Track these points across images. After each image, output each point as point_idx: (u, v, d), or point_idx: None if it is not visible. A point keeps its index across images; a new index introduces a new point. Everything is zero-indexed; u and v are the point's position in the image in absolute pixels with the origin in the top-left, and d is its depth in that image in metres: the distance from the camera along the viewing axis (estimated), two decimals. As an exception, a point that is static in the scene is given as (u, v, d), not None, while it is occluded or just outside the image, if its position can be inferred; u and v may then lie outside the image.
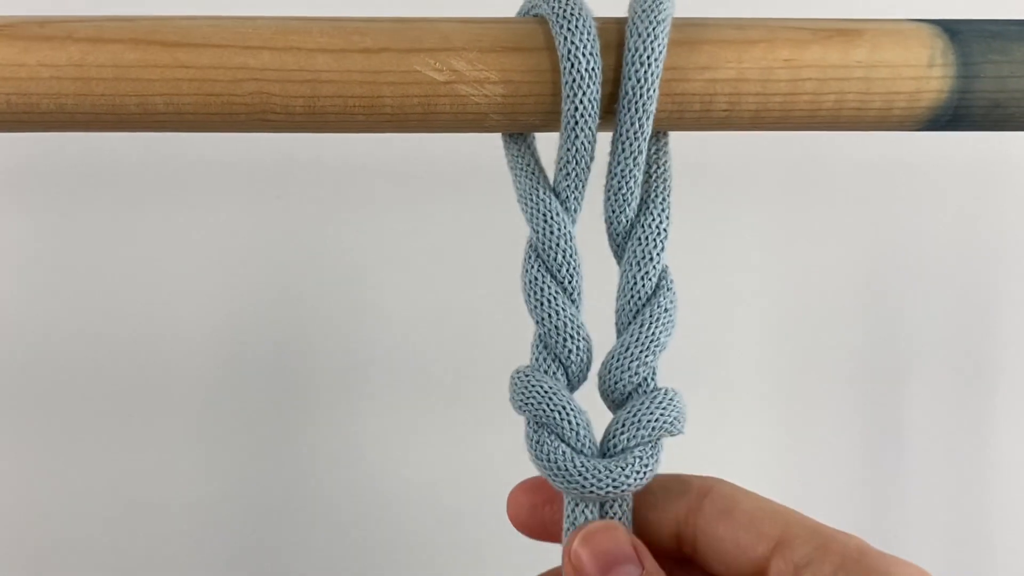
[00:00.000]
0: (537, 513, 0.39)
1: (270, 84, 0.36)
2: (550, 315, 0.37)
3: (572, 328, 0.37)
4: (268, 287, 0.71)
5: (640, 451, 0.36)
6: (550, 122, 0.37)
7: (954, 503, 0.77)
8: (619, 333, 0.38)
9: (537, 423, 0.36)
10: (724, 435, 0.74)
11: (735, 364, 0.74)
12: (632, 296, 0.37)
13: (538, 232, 0.37)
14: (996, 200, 0.74)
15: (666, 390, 0.37)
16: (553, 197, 0.37)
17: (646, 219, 0.37)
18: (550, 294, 0.37)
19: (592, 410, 0.37)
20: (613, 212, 0.38)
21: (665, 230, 0.37)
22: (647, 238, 0.37)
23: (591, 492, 0.35)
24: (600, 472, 0.35)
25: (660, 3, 0.36)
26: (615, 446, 0.36)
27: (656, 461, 0.36)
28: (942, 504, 0.76)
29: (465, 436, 0.73)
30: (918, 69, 0.37)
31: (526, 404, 0.37)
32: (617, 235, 0.38)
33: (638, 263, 0.37)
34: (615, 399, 0.38)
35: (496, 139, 0.40)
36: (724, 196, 0.72)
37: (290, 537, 0.73)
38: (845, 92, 0.37)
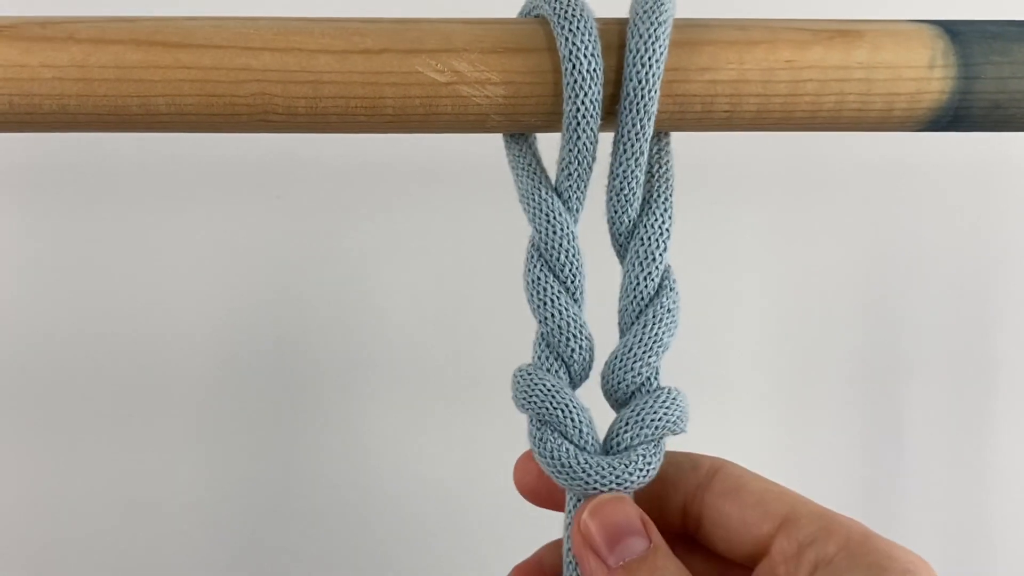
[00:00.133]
0: (544, 479, 0.39)
1: (272, 85, 0.36)
2: (552, 314, 0.37)
3: (575, 327, 0.37)
4: (269, 286, 0.71)
5: (644, 449, 0.36)
6: (552, 123, 0.37)
7: (953, 502, 0.77)
8: (622, 333, 0.38)
9: (540, 421, 0.37)
10: (725, 434, 0.74)
11: (736, 364, 0.74)
12: (635, 296, 0.37)
13: (540, 231, 0.37)
14: (996, 201, 0.74)
15: (669, 389, 0.37)
16: (555, 197, 0.38)
17: (648, 219, 0.38)
18: (553, 293, 0.37)
19: (594, 409, 0.37)
20: (615, 212, 0.38)
21: (667, 230, 0.37)
22: (649, 238, 0.37)
23: (594, 489, 0.36)
24: (604, 469, 0.35)
25: (661, 4, 0.36)
26: (619, 444, 0.36)
27: (659, 460, 0.36)
28: (941, 503, 0.76)
29: (468, 434, 0.73)
30: (919, 70, 0.37)
31: (529, 402, 0.37)
32: (619, 235, 0.38)
33: (641, 263, 0.37)
34: (618, 398, 0.38)
35: (499, 138, 0.40)
36: (725, 196, 0.72)
37: (292, 537, 0.73)
38: (846, 93, 0.37)
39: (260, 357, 0.71)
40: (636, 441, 0.36)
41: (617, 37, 0.36)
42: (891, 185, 0.73)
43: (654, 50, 0.35)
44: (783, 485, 0.38)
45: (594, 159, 0.37)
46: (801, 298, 0.74)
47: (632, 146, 0.36)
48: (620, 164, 0.37)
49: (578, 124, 0.36)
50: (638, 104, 0.35)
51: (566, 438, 0.36)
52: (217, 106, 0.36)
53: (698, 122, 0.38)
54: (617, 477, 0.35)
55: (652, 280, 0.37)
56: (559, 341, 0.37)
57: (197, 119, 0.36)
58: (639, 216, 0.38)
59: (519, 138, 0.39)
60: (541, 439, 0.36)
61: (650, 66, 0.35)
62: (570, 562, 0.37)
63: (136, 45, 0.35)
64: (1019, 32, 0.38)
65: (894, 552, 0.34)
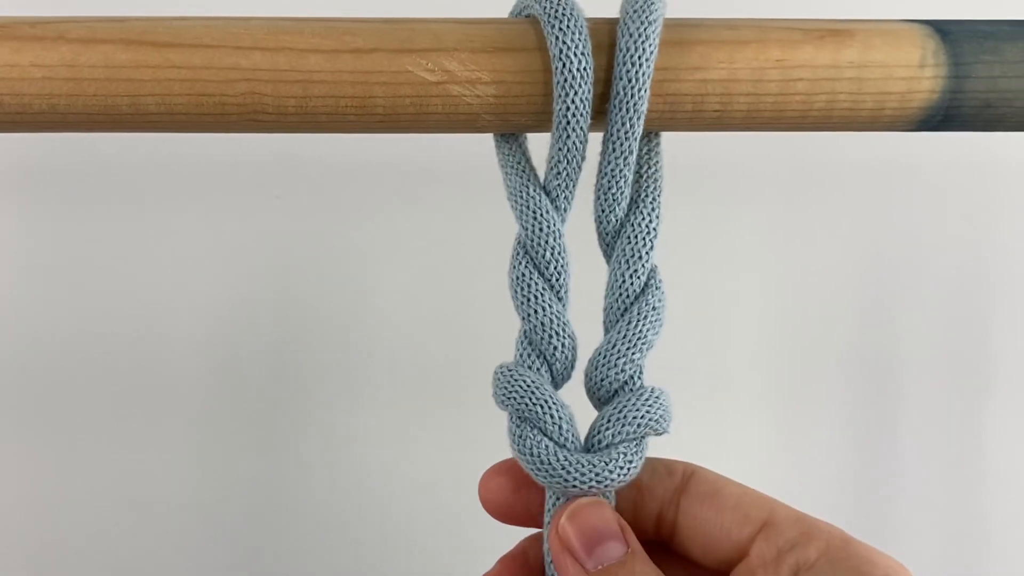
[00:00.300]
0: (511, 496, 0.39)
1: (262, 84, 0.36)
2: (536, 311, 0.37)
3: (558, 325, 0.37)
4: (267, 286, 0.71)
5: (625, 447, 0.36)
6: (542, 122, 0.37)
7: (949, 502, 0.77)
8: (606, 331, 0.38)
9: (520, 418, 0.36)
10: (721, 434, 0.74)
11: (731, 363, 0.74)
12: (620, 294, 0.37)
13: (527, 229, 0.37)
14: (991, 201, 0.74)
15: (653, 388, 0.37)
16: (543, 195, 0.38)
17: (636, 218, 0.38)
18: (537, 290, 0.37)
19: (577, 411, 0.37)
20: (603, 211, 0.38)
21: (655, 229, 0.37)
22: (636, 237, 0.37)
23: (574, 487, 0.35)
24: (584, 467, 0.35)
25: (652, 3, 0.36)
26: (600, 442, 0.36)
27: (640, 459, 0.36)
28: (937, 503, 0.76)
29: (464, 436, 0.73)
30: (909, 69, 0.37)
31: (508, 398, 0.36)
32: (607, 234, 0.38)
33: (627, 261, 0.37)
34: (601, 396, 0.37)
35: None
36: (720, 197, 0.72)
37: (290, 537, 0.73)
38: (837, 92, 0.37)
39: (259, 357, 0.72)
40: (618, 439, 0.36)
41: (607, 37, 0.36)
42: (887, 185, 0.73)
43: (644, 49, 0.35)
44: (758, 490, 0.37)
45: (583, 158, 0.37)
46: (797, 298, 0.74)
47: (621, 145, 0.36)
48: (609, 163, 0.37)
49: (568, 123, 0.36)
50: (628, 103, 0.35)
51: (546, 435, 0.36)
52: (207, 106, 0.36)
53: (688, 122, 0.38)
54: (597, 475, 0.35)
55: (638, 278, 0.37)
56: (542, 339, 0.37)
57: (187, 119, 0.36)
58: (626, 215, 0.38)
59: (510, 138, 0.39)
60: (521, 436, 0.36)
61: (640, 65, 0.35)
62: (551, 562, 0.37)
63: (126, 45, 0.35)
64: (1010, 31, 0.38)
65: (874, 557, 0.34)
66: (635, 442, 0.36)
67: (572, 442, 0.36)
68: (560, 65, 0.35)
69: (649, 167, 0.38)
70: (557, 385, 0.38)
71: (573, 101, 0.36)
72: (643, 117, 0.36)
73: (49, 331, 0.70)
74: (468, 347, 0.72)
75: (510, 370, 0.37)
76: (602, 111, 0.37)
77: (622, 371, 0.37)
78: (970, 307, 0.75)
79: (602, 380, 0.37)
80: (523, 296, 0.37)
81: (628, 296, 0.37)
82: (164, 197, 0.69)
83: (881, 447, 0.76)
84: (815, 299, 0.74)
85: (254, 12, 0.37)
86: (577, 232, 0.39)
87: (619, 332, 0.37)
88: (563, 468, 0.35)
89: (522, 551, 0.40)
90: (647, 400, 0.36)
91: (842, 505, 0.76)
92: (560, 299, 0.38)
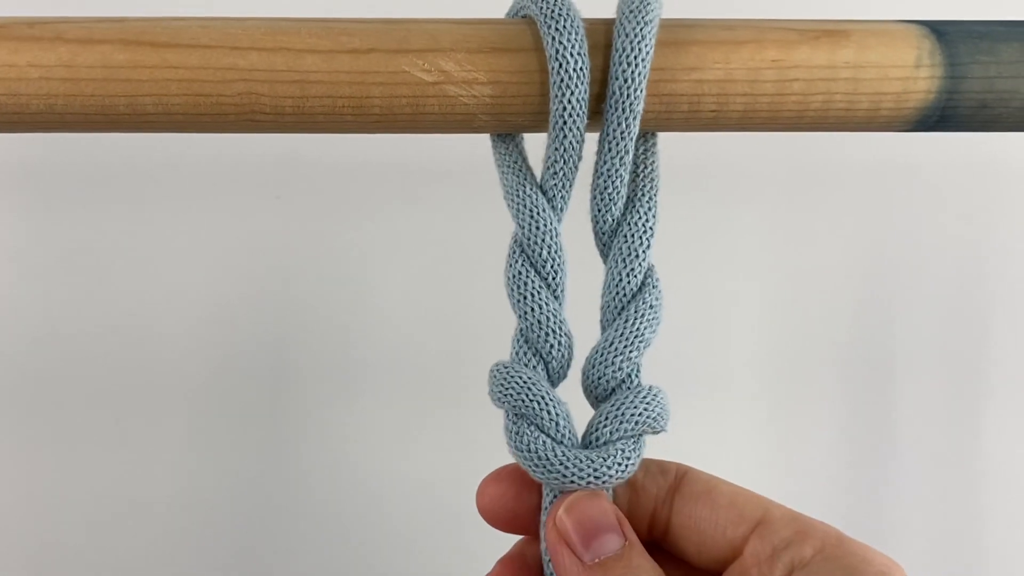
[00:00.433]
0: (512, 503, 0.39)
1: (259, 84, 0.36)
2: (532, 309, 0.37)
3: (554, 323, 0.37)
4: (268, 286, 0.71)
5: (623, 444, 0.36)
6: (538, 122, 0.37)
7: (945, 502, 0.77)
8: (603, 329, 0.38)
9: (516, 414, 0.36)
10: (718, 434, 0.74)
11: (729, 364, 0.74)
12: (617, 293, 0.37)
13: (524, 227, 0.37)
14: (991, 201, 0.74)
15: (651, 387, 0.37)
16: (540, 194, 0.38)
17: (632, 217, 0.38)
18: (533, 288, 0.37)
19: (575, 410, 0.37)
20: (599, 211, 0.38)
21: (651, 228, 0.38)
22: (633, 236, 0.37)
23: (572, 483, 0.35)
24: (582, 463, 0.35)
25: (648, 4, 0.36)
26: (598, 439, 0.36)
27: (638, 456, 0.36)
28: (933, 503, 0.76)
29: (463, 436, 0.73)
30: (905, 70, 0.37)
31: (504, 395, 0.36)
32: (603, 233, 0.38)
33: (624, 260, 0.37)
34: (598, 395, 0.38)
35: (494, 138, 0.40)
36: (718, 197, 0.72)
37: (289, 537, 0.73)
38: (833, 93, 0.37)
39: (258, 357, 0.72)
40: (615, 436, 0.36)
41: (603, 37, 0.36)
42: (886, 185, 0.73)
43: (640, 49, 0.35)
44: (751, 489, 0.38)
45: (580, 158, 0.37)
46: (795, 298, 0.74)
47: (617, 145, 0.36)
48: (605, 163, 0.37)
49: (564, 123, 0.36)
50: (624, 103, 0.36)
51: (542, 431, 0.36)
52: (204, 106, 0.36)
53: (685, 122, 0.38)
54: (595, 471, 0.35)
55: (635, 277, 0.37)
56: (538, 337, 0.37)
57: (184, 119, 0.36)
58: (623, 214, 0.38)
59: (506, 137, 0.39)
60: (517, 432, 0.36)
61: (636, 65, 0.35)
62: (548, 560, 0.37)
63: (123, 45, 0.35)
64: (1006, 32, 0.38)
65: (868, 555, 0.34)
66: (633, 439, 0.36)
67: (569, 438, 0.36)
68: (556, 65, 0.35)
69: (646, 166, 0.38)
70: (553, 383, 0.38)
71: (569, 101, 0.36)
72: (639, 117, 0.36)
73: (48, 330, 0.70)
74: (467, 347, 0.72)
75: (506, 367, 0.37)
76: (598, 111, 0.37)
77: (619, 369, 0.37)
78: (969, 307, 0.75)
79: (599, 378, 0.37)
80: (519, 294, 0.37)
81: (625, 294, 0.37)
82: (164, 197, 0.69)
83: (878, 448, 0.76)
84: (813, 299, 0.74)
85: (251, 13, 0.37)
86: (574, 231, 0.39)
87: (616, 330, 0.37)
88: (561, 464, 0.35)
89: (519, 552, 0.40)
90: (645, 398, 0.36)
91: (838, 505, 0.76)
92: (556, 297, 0.38)
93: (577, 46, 0.35)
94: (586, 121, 0.36)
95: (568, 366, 0.38)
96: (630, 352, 0.37)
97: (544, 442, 0.36)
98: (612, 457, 0.35)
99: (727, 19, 0.38)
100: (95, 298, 0.70)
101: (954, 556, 0.76)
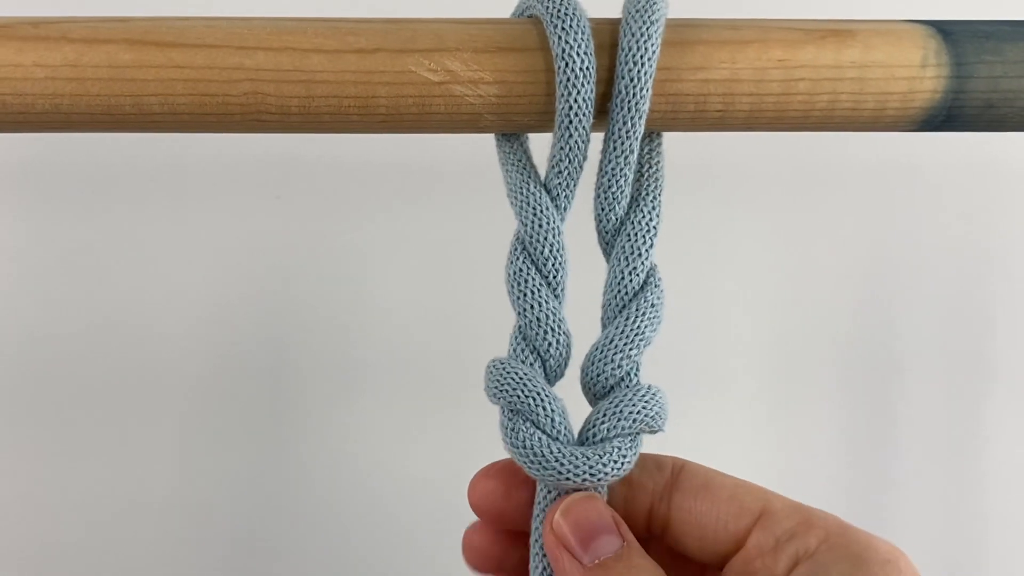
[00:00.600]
0: (502, 500, 0.39)
1: (265, 84, 0.36)
2: (532, 306, 0.37)
3: (553, 321, 0.37)
4: (267, 286, 0.71)
5: (619, 442, 0.36)
6: (544, 122, 0.37)
7: (946, 502, 0.77)
8: (604, 327, 0.38)
9: (512, 410, 0.36)
10: (717, 434, 0.74)
11: (729, 363, 0.74)
12: (619, 291, 0.37)
13: (526, 225, 0.37)
14: (991, 201, 0.74)
15: (650, 386, 0.37)
16: (543, 192, 0.38)
17: (636, 216, 0.38)
18: (533, 286, 0.37)
19: (573, 410, 0.37)
20: (602, 210, 0.38)
21: (655, 227, 0.38)
22: (636, 235, 0.37)
23: (567, 480, 0.35)
24: (577, 459, 0.35)
25: (654, 3, 0.36)
26: (594, 436, 0.36)
27: (634, 455, 0.36)
28: (933, 503, 0.76)
29: (463, 435, 0.73)
30: (911, 69, 0.37)
31: (500, 391, 0.36)
32: (606, 232, 0.38)
33: (626, 259, 0.37)
34: (597, 392, 0.37)
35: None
36: (720, 197, 0.72)
37: (286, 537, 0.73)
38: (839, 92, 0.37)
39: (258, 357, 0.72)
40: (612, 433, 0.36)
41: (610, 37, 0.36)
42: (886, 185, 0.73)
43: (646, 49, 0.35)
44: (749, 480, 0.38)
45: (585, 158, 0.37)
46: (795, 297, 0.74)
47: (622, 144, 0.36)
48: (610, 162, 0.37)
49: (570, 123, 0.36)
50: (629, 103, 0.36)
51: (538, 427, 0.36)
52: (210, 106, 0.36)
53: (691, 122, 0.38)
54: (591, 468, 0.35)
55: (637, 275, 0.37)
56: (536, 334, 0.37)
57: (190, 119, 0.36)
58: (627, 213, 0.38)
59: (511, 136, 0.39)
60: (513, 428, 0.36)
61: (642, 65, 0.35)
62: (537, 553, 0.37)
63: (129, 45, 0.35)
64: (1012, 32, 0.38)
65: (873, 543, 0.34)
66: (630, 437, 0.36)
67: (565, 435, 0.36)
68: (563, 65, 0.35)
69: (650, 166, 0.38)
70: (550, 382, 0.38)
71: (576, 101, 0.36)
72: (644, 117, 0.36)
73: (48, 330, 0.70)
74: (467, 346, 0.72)
75: (502, 363, 0.37)
76: (604, 111, 0.37)
77: (618, 367, 0.37)
78: (970, 307, 0.75)
79: (598, 375, 0.37)
80: (519, 291, 0.37)
81: (627, 293, 0.37)
82: (164, 197, 0.69)
83: (879, 448, 0.76)
84: (813, 299, 0.74)
85: (257, 12, 0.37)
86: (577, 230, 0.39)
87: (616, 328, 0.37)
88: (556, 460, 0.35)
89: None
90: (644, 396, 0.36)
91: (838, 505, 0.75)
92: (556, 296, 0.38)
93: (583, 46, 0.35)
94: (592, 121, 0.36)
95: (566, 365, 0.38)
96: (630, 350, 0.37)
97: (539, 438, 0.36)
98: (608, 454, 0.35)
99: (733, 19, 0.38)
100: (95, 298, 0.70)
101: (954, 556, 0.77)
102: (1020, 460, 0.77)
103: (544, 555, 0.37)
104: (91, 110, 0.36)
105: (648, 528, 0.39)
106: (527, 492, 0.38)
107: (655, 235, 0.38)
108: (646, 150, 0.39)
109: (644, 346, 0.37)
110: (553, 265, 0.37)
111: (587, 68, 0.35)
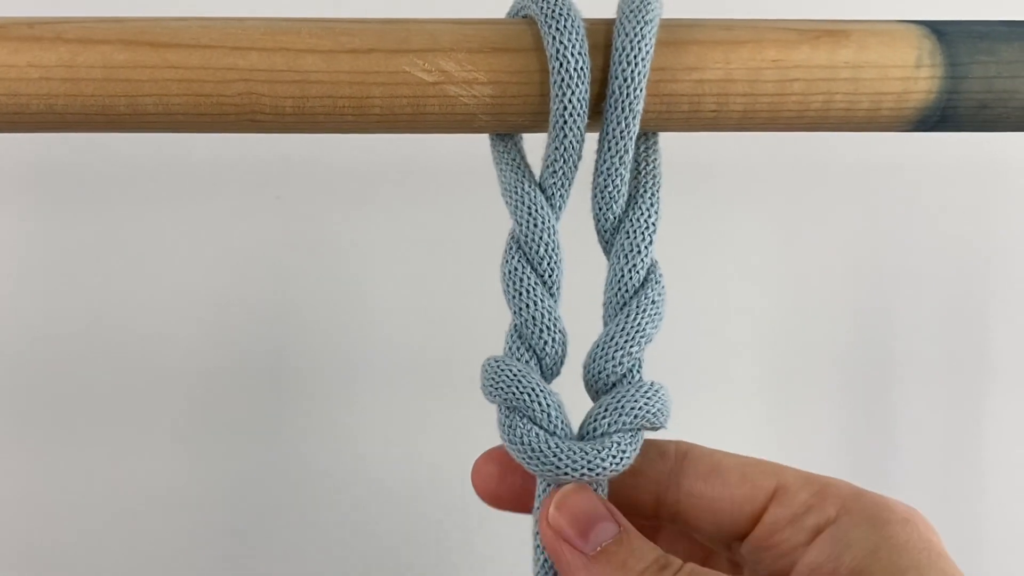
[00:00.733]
0: (497, 484, 0.39)
1: (259, 85, 0.36)
2: (527, 305, 0.37)
3: (548, 320, 0.37)
4: (267, 286, 0.71)
5: (619, 437, 0.36)
6: (538, 122, 0.37)
7: (945, 504, 0.77)
8: (605, 325, 0.38)
9: (508, 408, 0.36)
10: (716, 434, 0.74)
11: (727, 362, 0.74)
12: (620, 288, 0.37)
13: (521, 224, 0.37)
14: (987, 201, 0.74)
15: (652, 382, 0.37)
16: (538, 191, 0.38)
17: (634, 214, 0.38)
18: (529, 285, 0.37)
19: (574, 410, 0.37)
20: (600, 208, 0.38)
21: (654, 224, 0.38)
22: (635, 231, 0.37)
23: (565, 475, 0.35)
24: (575, 454, 0.35)
25: (648, 4, 0.36)
26: (594, 430, 0.36)
27: (634, 450, 0.36)
28: (933, 504, 0.75)
29: (463, 433, 0.73)
30: (906, 70, 0.37)
31: (496, 389, 0.36)
32: (605, 231, 0.38)
33: (626, 255, 0.37)
34: (599, 389, 0.37)
35: (493, 137, 0.40)
36: (718, 197, 0.72)
37: (287, 537, 0.73)
38: (833, 93, 0.37)
39: (259, 356, 0.72)
40: (613, 428, 0.36)
41: (604, 37, 0.36)
42: (886, 185, 0.73)
43: (640, 48, 0.35)
44: (753, 456, 0.38)
45: (580, 158, 0.37)
46: (795, 297, 0.74)
47: (617, 144, 0.36)
48: (605, 162, 0.37)
49: (564, 123, 0.36)
50: (623, 102, 0.36)
51: (535, 423, 0.36)
52: (205, 106, 0.36)
53: (685, 122, 0.38)
54: (589, 462, 0.35)
55: (638, 272, 0.37)
56: (532, 333, 0.37)
57: (185, 119, 0.36)
58: (625, 212, 0.38)
59: (505, 137, 0.39)
60: (510, 426, 0.36)
61: (636, 65, 0.35)
62: (537, 546, 0.37)
63: (124, 45, 0.35)
64: (1006, 32, 0.38)
65: (889, 504, 0.35)
66: (630, 433, 0.36)
67: (563, 430, 0.36)
68: (557, 65, 0.35)
69: (647, 164, 0.38)
70: (546, 380, 0.38)
71: (570, 101, 0.36)
72: (639, 117, 0.36)
73: (47, 331, 0.70)
74: (467, 345, 0.72)
75: (497, 361, 0.37)
76: (598, 111, 0.37)
77: (620, 364, 0.37)
78: (969, 308, 0.75)
79: (600, 372, 0.37)
80: (515, 290, 0.37)
81: (627, 290, 0.37)
82: (164, 197, 0.69)
83: (878, 448, 0.76)
84: (813, 298, 0.74)
85: (251, 12, 0.37)
86: (578, 229, 0.39)
87: (617, 325, 0.37)
88: (554, 455, 0.35)
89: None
90: (646, 392, 0.36)
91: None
92: (552, 295, 0.38)
93: (577, 46, 0.35)
94: (586, 121, 0.36)
95: (561, 363, 0.38)
96: (631, 347, 0.37)
97: (537, 434, 0.36)
98: (607, 449, 0.35)
99: (727, 19, 0.38)
100: (94, 298, 0.70)
101: (953, 556, 0.76)
102: (1019, 460, 0.77)
103: (540, 543, 0.37)
104: (86, 110, 0.36)
105: (657, 515, 0.39)
106: (519, 477, 0.38)
107: (654, 232, 0.38)
108: (642, 148, 0.39)
109: (645, 343, 0.37)
110: (548, 264, 0.37)
111: (581, 68, 0.35)
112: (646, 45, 0.35)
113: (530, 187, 0.38)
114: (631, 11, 0.36)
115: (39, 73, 0.35)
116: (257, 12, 0.38)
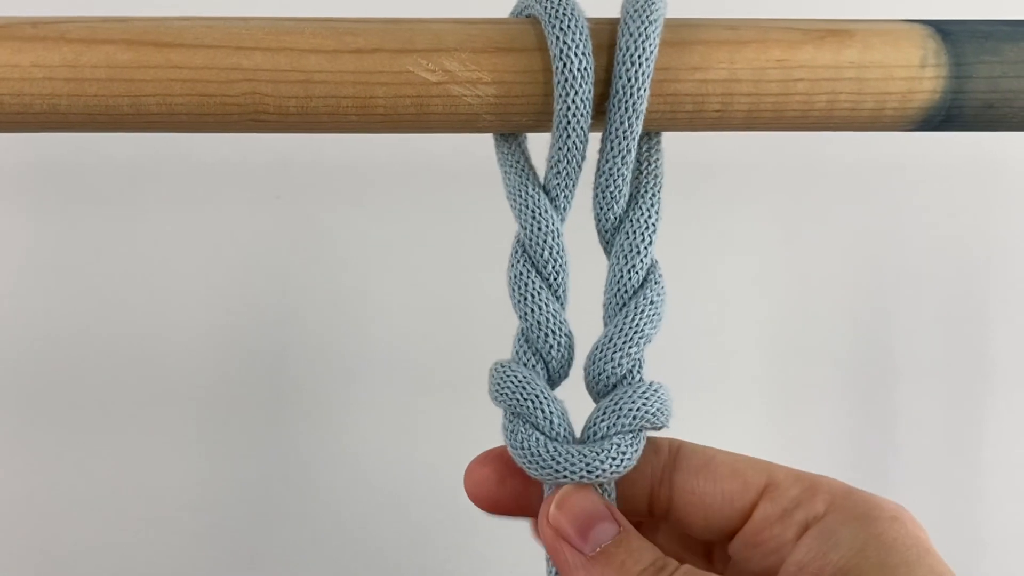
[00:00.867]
0: (496, 488, 0.39)
1: (263, 84, 0.36)
2: (533, 310, 0.37)
3: (555, 324, 0.37)
4: (267, 286, 0.71)
5: (619, 439, 0.36)
6: (542, 122, 0.37)
7: (945, 504, 0.77)
8: (605, 325, 0.38)
9: (513, 413, 0.37)
10: (715, 434, 0.74)
11: (727, 364, 0.74)
12: (619, 289, 0.37)
13: (526, 228, 0.37)
14: (987, 201, 0.74)
15: (652, 382, 0.37)
16: (543, 194, 0.38)
17: (635, 214, 0.38)
18: (534, 289, 0.37)
19: (577, 411, 0.37)
20: (601, 208, 0.38)
21: (654, 225, 0.37)
22: (635, 232, 0.37)
23: (564, 477, 0.35)
24: (574, 457, 0.35)
25: (652, 3, 0.36)
26: (595, 434, 0.36)
27: (636, 452, 0.36)
28: (933, 504, 0.76)
29: (464, 435, 0.73)
30: (910, 69, 0.37)
31: (502, 394, 0.37)
32: (605, 231, 0.38)
33: (626, 256, 0.37)
34: (599, 391, 0.38)
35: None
36: (719, 197, 0.72)
37: (288, 537, 0.73)
38: (837, 92, 0.37)
39: (259, 356, 0.72)
40: (613, 431, 0.36)
41: (608, 37, 0.36)
42: (887, 185, 0.73)
43: (644, 48, 0.35)
44: (745, 453, 0.38)
45: (583, 158, 0.37)
46: (795, 297, 0.74)
47: (620, 144, 0.36)
48: (607, 161, 0.37)
49: (568, 123, 0.36)
50: (627, 102, 0.35)
51: (537, 428, 0.36)
52: (208, 106, 0.36)
53: (689, 122, 0.38)
54: (588, 465, 0.35)
55: (637, 273, 0.37)
56: (538, 337, 0.37)
57: (188, 119, 0.36)
58: (626, 212, 0.38)
59: (509, 137, 0.39)
60: (513, 431, 0.36)
61: (640, 64, 0.35)
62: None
63: (127, 45, 0.35)
64: (1011, 32, 0.38)
65: (878, 502, 0.35)
66: (631, 434, 0.36)
67: (564, 436, 0.36)
68: (561, 65, 0.35)
69: (649, 164, 0.38)
70: (554, 383, 0.38)
71: (574, 101, 0.36)
72: (642, 117, 0.36)
73: (48, 331, 0.70)
74: (469, 346, 0.72)
75: (504, 366, 0.37)
76: (602, 111, 0.37)
77: (619, 365, 0.37)
78: (970, 307, 0.75)
79: (600, 374, 0.37)
80: (521, 295, 0.37)
81: (627, 291, 0.37)
82: (164, 197, 0.69)
83: (879, 448, 0.76)
84: (813, 298, 0.74)
85: (255, 12, 0.37)
86: (579, 230, 0.39)
87: (616, 326, 0.37)
88: (553, 459, 0.35)
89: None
90: (644, 393, 0.36)
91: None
92: (558, 298, 0.38)
93: (581, 46, 0.35)
94: (590, 121, 0.36)
95: (569, 366, 0.38)
96: (630, 348, 0.37)
97: (538, 439, 0.36)
98: (606, 451, 0.35)
99: (731, 19, 0.38)
100: (95, 298, 0.70)
101: (953, 556, 0.76)
102: (1019, 460, 0.77)
103: None
104: (89, 110, 0.36)
105: (651, 511, 0.39)
106: (521, 479, 0.38)
107: (654, 232, 0.38)
108: (644, 148, 0.39)
109: (645, 343, 0.37)
110: (554, 268, 0.37)
111: (585, 68, 0.35)
112: (650, 45, 0.35)
113: (534, 191, 0.38)
114: (635, 11, 0.35)
115: (43, 73, 0.35)
116: (261, 12, 0.38)
